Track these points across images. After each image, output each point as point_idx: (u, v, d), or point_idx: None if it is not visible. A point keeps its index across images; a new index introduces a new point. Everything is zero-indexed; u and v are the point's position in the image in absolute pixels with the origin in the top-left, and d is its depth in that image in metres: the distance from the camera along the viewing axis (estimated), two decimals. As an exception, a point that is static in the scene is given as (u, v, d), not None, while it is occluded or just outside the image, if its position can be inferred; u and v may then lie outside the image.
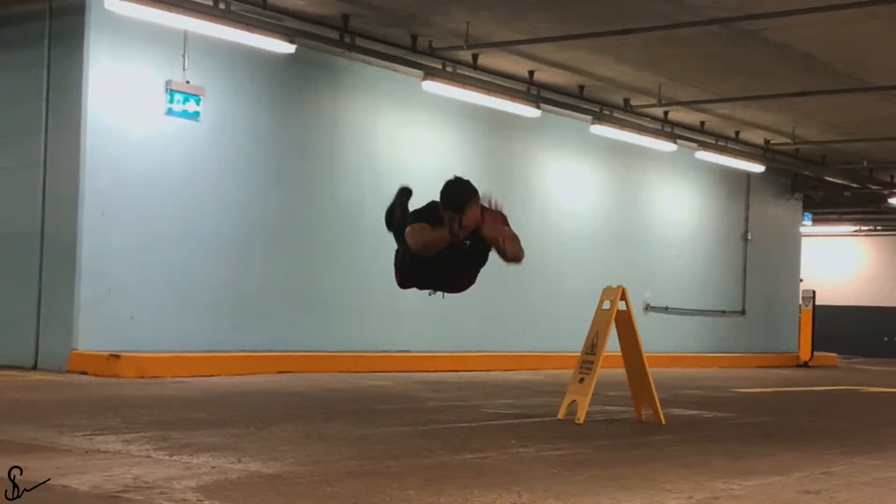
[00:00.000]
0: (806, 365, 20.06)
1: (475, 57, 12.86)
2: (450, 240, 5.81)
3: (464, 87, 12.95)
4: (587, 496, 4.31)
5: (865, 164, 19.45)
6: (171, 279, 11.37)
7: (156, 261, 11.24)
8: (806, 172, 20.08)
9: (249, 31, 11.08)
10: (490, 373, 13.21)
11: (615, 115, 15.36)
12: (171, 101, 11.30)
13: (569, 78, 14.00)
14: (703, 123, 16.76)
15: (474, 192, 5.90)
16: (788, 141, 17.80)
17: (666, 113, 15.81)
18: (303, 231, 12.68)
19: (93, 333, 10.74)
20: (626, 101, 15.19)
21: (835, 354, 22.11)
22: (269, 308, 12.26)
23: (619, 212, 17.36)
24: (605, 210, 17.07)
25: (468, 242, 5.99)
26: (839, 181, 20.69)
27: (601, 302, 7.64)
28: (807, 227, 23.03)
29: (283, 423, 6.61)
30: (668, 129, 16.28)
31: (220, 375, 10.72)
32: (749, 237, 20.41)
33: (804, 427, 7.87)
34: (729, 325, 19.88)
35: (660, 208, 18.31)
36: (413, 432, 6.42)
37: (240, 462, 4.92)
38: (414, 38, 12.28)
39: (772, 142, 18.06)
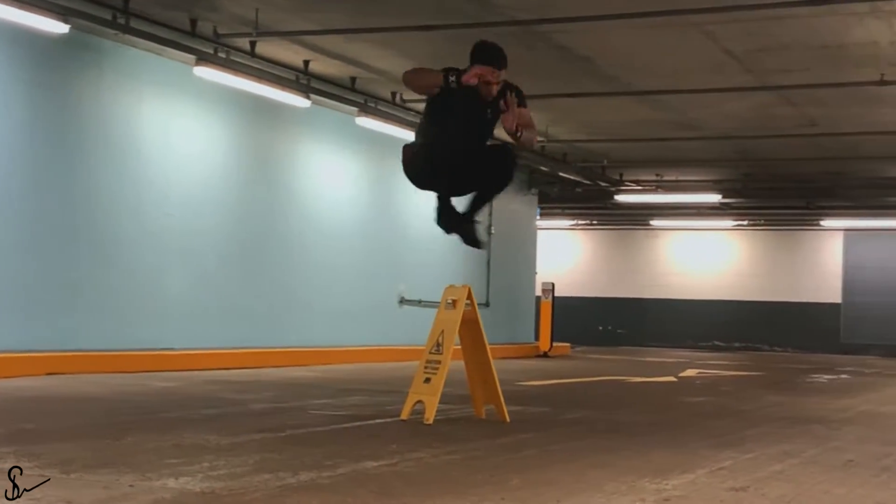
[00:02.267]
0: (546, 355, 20.76)
1: (253, 45, 12.50)
2: (439, 84, 6.33)
3: (235, 75, 12.56)
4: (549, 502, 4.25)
5: (605, 162, 20.35)
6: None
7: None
8: (543, 168, 20.66)
9: (16, 6, 10.30)
10: (265, 370, 12.88)
11: (380, 108, 15.35)
12: (-73, 82, 10.36)
13: (344, 69, 13.87)
14: (462, 119, 16.99)
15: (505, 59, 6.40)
16: (540, 139, 18.32)
17: (429, 107, 15.90)
18: (65, 222, 11.89)
19: None
20: (395, 94, 15.21)
21: (568, 344, 23.02)
22: (30, 305, 11.44)
23: (377, 204, 17.39)
24: (363, 202, 17.05)
25: (490, 111, 6.61)
26: (574, 178, 21.50)
27: (443, 301, 7.58)
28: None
29: (135, 434, 6.16)
30: (426, 124, 16.39)
31: (-14, 378, 9.93)
32: (493, 231, 20.91)
33: (637, 421, 8.05)
34: (474, 318, 20.25)
35: (414, 202, 18.43)
36: (281, 439, 6.14)
37: (147, 479, 4.54)
38: (194, 22, 11.79)
39: (523, 139, 18.53)
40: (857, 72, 12.50)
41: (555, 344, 21.34)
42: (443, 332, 7.43)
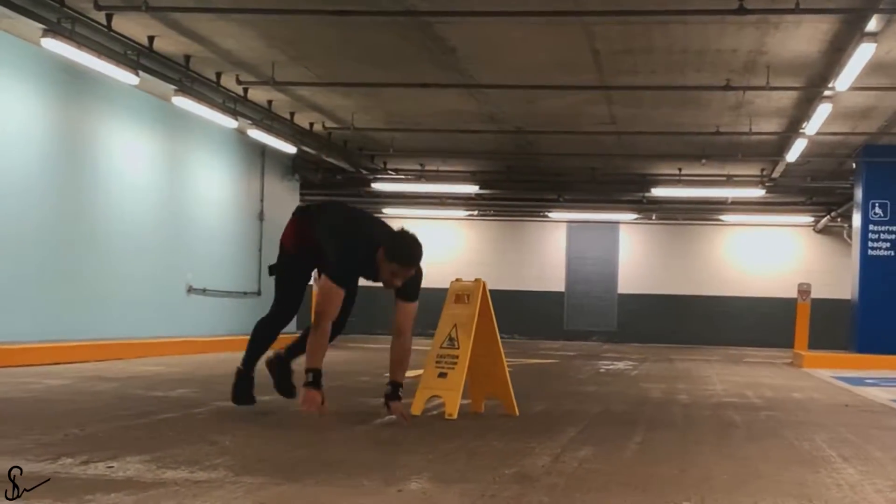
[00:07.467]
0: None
1: (109, 17, 11.72)
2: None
3: (80, 49, 11.75)
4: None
5: (391, 151, 20.42)
6: None
7: None
8: (307, 148, 20.15)
9: None
10: (89, 365, 11.99)
11: (196, 87, 14.72)
12: None
13: (185, 47, 13.21)
14: (270, 103, 16.58)
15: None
16: (336, 126, 18.19)
17: (246, 90, 15.44)
18: None
19: None
20: (219, 75, 14.65)
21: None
22: None
23: (170, 189, 16.76)
24: (158, 187, 16.40)
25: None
26: (337, 164, 21.35)
27: (450, 295, 7.51)
28: (288, 208, 23.55)
29: (201, 434, 5.73)
30: (231, 106, 15.83)
31: None
32: (264, 217, 20.56)
33: (618, 411, 8.28)
34: (249, 306, 19.86)
35: (201, 186, 17.90)
36: (360, 436, 5.91)
37: (361, 481, 4.28)
38: (57, -10, 10.95)
39: (325, 125, 18.32)
40: (699, 76, 13.25)
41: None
42: (455, 326, 7.37)
